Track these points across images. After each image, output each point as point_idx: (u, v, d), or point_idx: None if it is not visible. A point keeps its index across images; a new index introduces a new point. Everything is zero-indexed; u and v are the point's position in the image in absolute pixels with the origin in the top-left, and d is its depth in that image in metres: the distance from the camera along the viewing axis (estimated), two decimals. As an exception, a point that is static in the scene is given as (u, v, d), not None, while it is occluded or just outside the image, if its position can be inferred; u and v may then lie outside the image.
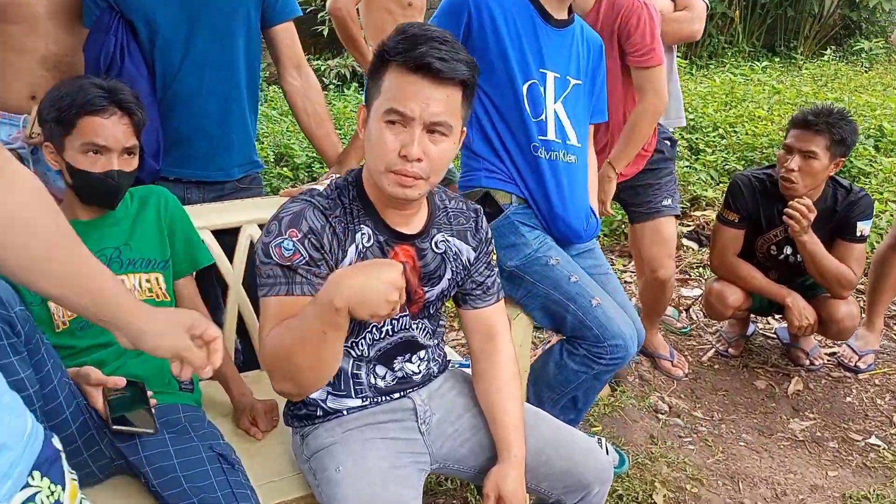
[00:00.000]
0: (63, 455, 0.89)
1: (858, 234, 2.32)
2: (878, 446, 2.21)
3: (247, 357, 1.87)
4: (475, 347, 1.44)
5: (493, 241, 1.46)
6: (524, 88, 1.76)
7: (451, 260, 1.37)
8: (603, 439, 2.11)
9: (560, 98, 1.80)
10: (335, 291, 1.08)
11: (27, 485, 0.78)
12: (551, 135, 1.79)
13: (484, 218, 1.43)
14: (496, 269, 1.46)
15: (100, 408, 1.32)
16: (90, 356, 1.47)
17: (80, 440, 1.33)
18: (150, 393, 1.41)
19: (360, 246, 1.27)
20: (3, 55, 1.70)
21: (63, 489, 0.85)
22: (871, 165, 3.95)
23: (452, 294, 1.43)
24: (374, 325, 1.33)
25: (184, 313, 1.10)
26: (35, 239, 0.88)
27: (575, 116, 1.82)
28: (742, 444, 2.23)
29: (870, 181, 3.80)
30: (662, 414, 2.36)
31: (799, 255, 2.35)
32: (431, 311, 1.42)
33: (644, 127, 2.15)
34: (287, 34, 1.90)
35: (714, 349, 2.74)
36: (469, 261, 1.40)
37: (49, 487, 0.82)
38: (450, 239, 1.37)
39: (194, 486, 1.29)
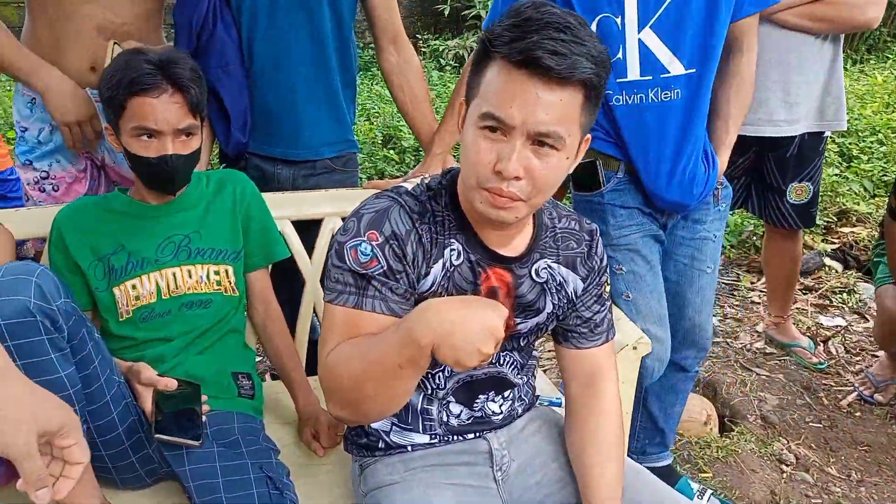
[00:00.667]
0: None
1: None
2: None
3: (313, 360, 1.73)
4: (573, 393, 1.21)
5: (607, 269, 1.22)
6: (594, 25, 1.48)
7: (554, 291, 1.15)
8: (708, 490, 1.82)
9: (650, 22, 1.48)
10: (423, 324, 0.91)
11: None
12: (633, 74, 1.50)
13: (600, 242, 1.19)
14: (608, 304, 1.22)
15: (147, 409, 1.22)
16: (150, 349, 1.38)
17: (126, 443, 1.24)
18: (204, 398, 1.30)
19: (448, 263, 1.07)
20: (60, 23, 1.61)
21: None
22: None
23: (551, 328, 1.21)
24: None
25: (53, 413, 0.83)
26: None
27: (679, 34, 1.49)
28: (885, 515, 1.87)
29: None
30: (787, 465, 2.03)
31: None
32: (522, 344, 1.20)
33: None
34: (383, 4, 1.76)
35: (857, 393, 2.35)
36: (576, 293, 1.17)
37: None
38: (554, 266, 1.15)
39: (238, 512, 1.16)
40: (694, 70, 1.52)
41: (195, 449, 1.23)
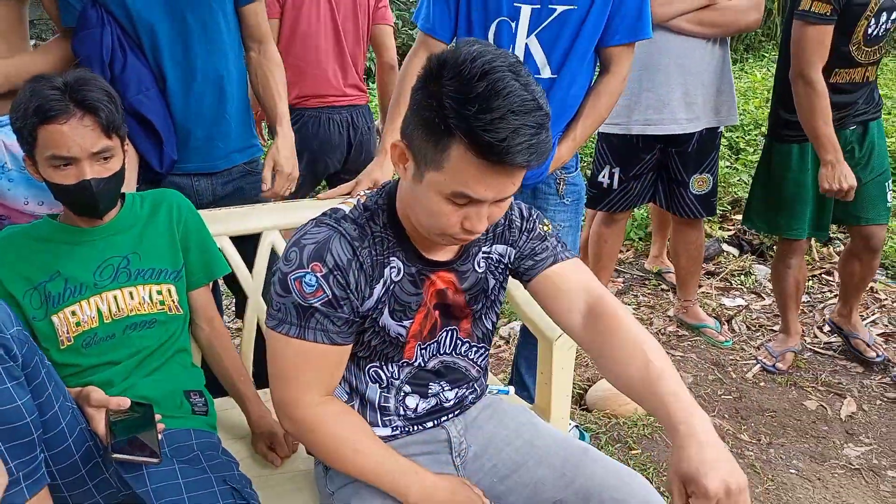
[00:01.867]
0: None
1: None
2: (944, 478, 2.05)
3: (261, 372, 1.75)
4: (578, 331, 1.20)
5: (534, 216, 1.27)
6: (492, 28, 1.69)
7: (494, 269, 1.24)
8: (578, 427, 2.07)
9: (536, 31, 1.68)
10: (419, 492, 1.12)
11: None
12: None
13: (515, 206, 1.27)
14: (552, 239, 1.26)
15: (100, 432, 1.20)
16: (96, 375, 1.36)
17: (83, 469, 1.21)
18: (158, 417, 1.30)
19: (389, 281, 1.14)
20: None
21: None
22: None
23: (502, 297, 1.29)
24: (409, 360, 1.21)
25: None
26: None
27: (554, 45, 1.69)
28: (793, 471, 2.07)
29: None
30: (706, 436, 2.21)
31: (892, 19, 2.18)
32: (481, 330, 1.28)
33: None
34: (253, 14, 1.82)
35: (759, 364, 2.58)
36: (510, 259, 1.25)
37: None
38: (489, 249, 1.23)
39: (205, 526, 1.17)
40: (556, 76, 1.71)
41: (155, 467, 1.23)
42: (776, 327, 2.77)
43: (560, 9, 1.65)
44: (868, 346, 2.57)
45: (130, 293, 1.41)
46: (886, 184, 2.39)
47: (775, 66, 2.51)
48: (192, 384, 1.47)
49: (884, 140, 2.41)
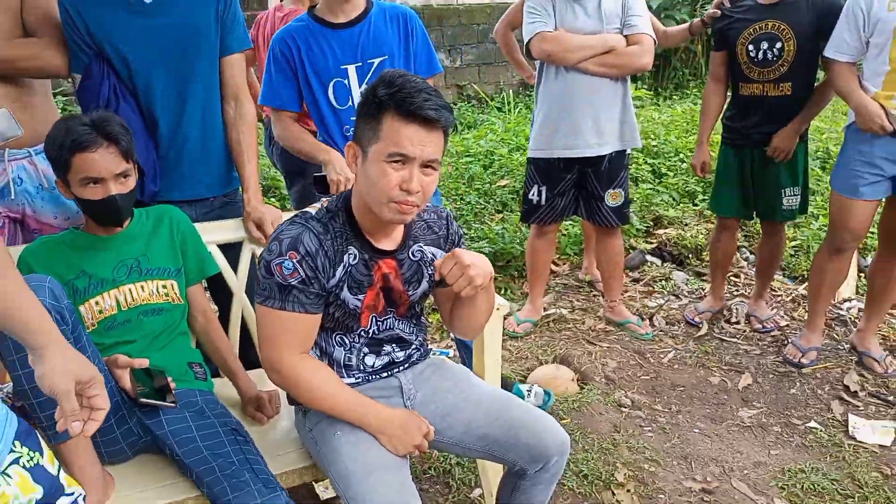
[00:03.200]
0: (37, 432, 1.07)
1: None
2: (816, 429, 2.47)
3: (245, 355, 2.06)
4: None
5: (462, 237, 1.69)
6: (330, 88, 2.12)
7: (427, 265, 1.62)
8: (534, 385, 2.52)
9: (364, 82, 2.12)
10: (378, 421, 1.50)
11: (12, 450, 0.98)
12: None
13: (453, 221, 1.68)
14: None
15: (128, 387, 1.54)
16: (117, 351, 1.68)
17: (112, 419, 1.55)
18: (169, 378, 1.63)
19: (347, 265, 1.51)
20: None
21: (41, 455, 1.04)
22: (817, 184, 4.28)
23: (431, 294, 1.67)
24: (365, 328, 1.57)
25: (87, 367, 1.12)
26: None
27: None
28: (696, 430, 2.48)
29: (815, 199, 4.13)
30: (625, 408, 2.61)
31: (777, 48, 2.77)
32: (416, 310, 1.66)
33: None
34: (230, 66, 2.04)
35: (686, 318, 3.19)
36: None
37: (28, 453, 1.02)
38: (425, 248, 1.62)
39: (213, 454, 1.51)
40: None
41: (171, 413, 1.57)
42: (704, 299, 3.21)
43: (376, 61, 2.13)
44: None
45: (142, 287, 1.75)
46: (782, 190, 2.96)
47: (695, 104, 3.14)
48: (193, 358, 1.81)
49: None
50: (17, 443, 0.97)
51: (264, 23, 3.12)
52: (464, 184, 4.65)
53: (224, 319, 2.02)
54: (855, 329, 3.01)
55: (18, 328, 1.07)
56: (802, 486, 2.17)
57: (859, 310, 3.19)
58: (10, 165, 1.91)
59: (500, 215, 4.28)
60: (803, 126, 2.87)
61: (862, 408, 2.59)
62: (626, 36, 2.81)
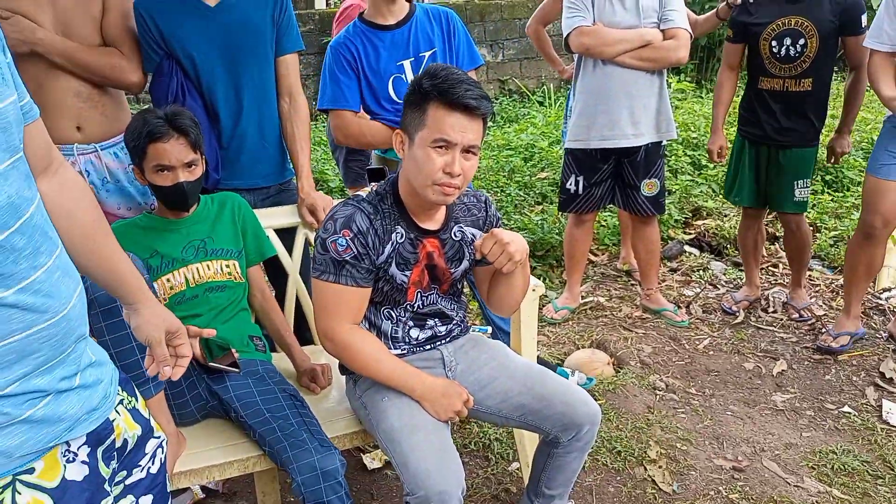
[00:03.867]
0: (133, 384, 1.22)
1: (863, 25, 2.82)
2: (849, 413, 2.52)
3: (301, 332, 2.22)
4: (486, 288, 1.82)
5: (499, 219, 1.82)
6: (389, 84, 2.27)
7: (468, 245, 1.74)
8: (577, 371, 2.62)
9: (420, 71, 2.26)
10: (422, 387, 1.63)
11: (118, 393, 1.13)
12: None
13: (491, 205, 1.80)
14: None
15: (198, 353, 1.70)
16: (185, 323, 1.85)
17: (184, 384, 1.72)
18: (233, 349, 1.80)
19: (395, 243, 1.64)
20: (46, 94, 1.97)
21: (136, 400, 1.18)
22: (860, 175, 4.26)
23: (471, 271, 1.80)
24: (411, 302, 1.70)
25: (174, 319, 1.26)
26: (75, 226, 1.12)
27: None
28: (728, 413, 2.55)
29: (859, 189, 4.11)
30: (659, 391, 2.69)
31: (800, 44, 2.82)
32: (458, 288, 1.79)
33: None
34: (285, 65, 2.19)
35: (722, 307, 3.27)
36: None
37: (128, 398, 1.16)
38: (465, 228, 1.74)
39: (274, 416, 1.67)
40: None
41: (235, 379, 1.73)
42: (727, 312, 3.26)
43: (427, 54, 2.27)
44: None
45: (207, 266, 1.92)
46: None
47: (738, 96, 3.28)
48: (253, 332, 1.97)
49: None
50: (118, 388, 1.13)
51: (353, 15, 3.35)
52: (504, 176, 4.75)
53: (280, 299, 2.18)
54: (893, 318, 3.02)
55: (119, 284, 1.23)
56: (833, 467, 2.23)
57: (899, 299, 3.20)
58: (78, 159, 2.10)
59: (540, 207, 4.37)
60: (851, 126, 2.95)
61: (897, 394, 2.62)
62: (662, 30, 2.87)
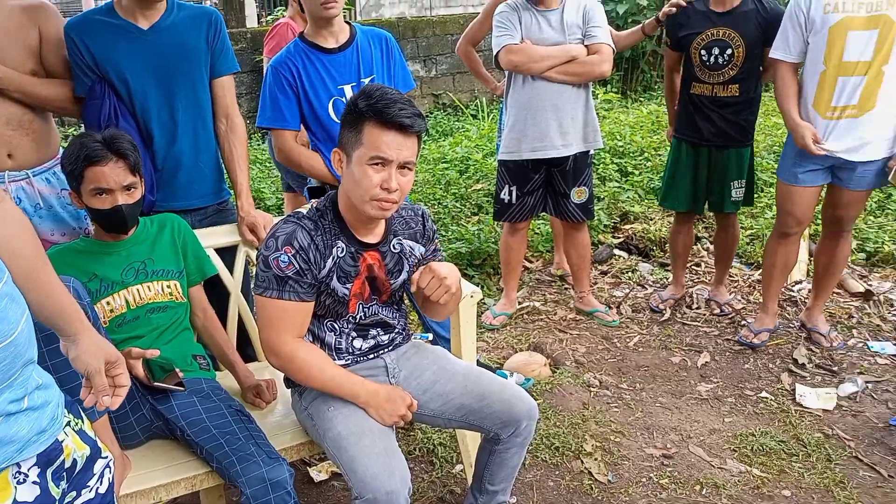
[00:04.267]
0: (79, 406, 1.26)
1: None
2: (767, 398, 2.71)
3: (244, 349, 2.26)
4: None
5: (436, 232, 1.91)
6: (330, 106, 2.32)
7: (406, 257, 1.83)
8: (516, 373, 2.80)
9: None
10: (366, 394, 1.68)
11: (64, 415, 1.16)
12: None
13: (429, 218, 1.89)
14: (439, 253, 1.91)
15: (141, 375, 1.73)
16: (127, 345, 1.87)
17: (128, 406, 1.73)
18: (177, 369, 1.82)
19: (336, 257, 1.71)
20: None
21: (83, 421, 1.21)
22: (772, 177, 4.55)
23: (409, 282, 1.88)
24: (353, 314, 1.77)
25: (113, 349, 1.28)
26: (15, 260, 1.13)
27: None
28: (658, 404, 2.70)
29: (771, 191, 4.40)
30: (593, 387, 2.83)
31: (727, 54, 3.02)
32: (397, 298, 1.87)
33: None
34: (221, 87, 2.24)
35: (650, 305, 3.44)
36: (422, 254, 1.86)
37: (75, 420, 1.19)
38: (404, 241, 1.83)
39: (221, 432, 1.70)
40: None
41: (180, 398, 1.76)
42: (655, 310, 3.45)
43: (366, 80, 2.35)
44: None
45: (148, 287, 1.94)
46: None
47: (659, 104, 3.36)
48: (196, 351, 2.00)
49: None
50: (65, 409, 1.16)
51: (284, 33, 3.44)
52: (441, 189, 4.86)
53: (222, 318, 2.21)
54: (805, 308, 3.26)
55: (58, 317, 1.25)
56: (752, 448, 2.41)
57: (809, 291, 3.44)
58: (9, 186, 2.09)
59: (476, 217, 4.50)
60: None
61: (809, 378, 2.84)
62: (586, 46, 3.03)
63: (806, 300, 3.39)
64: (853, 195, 2.87)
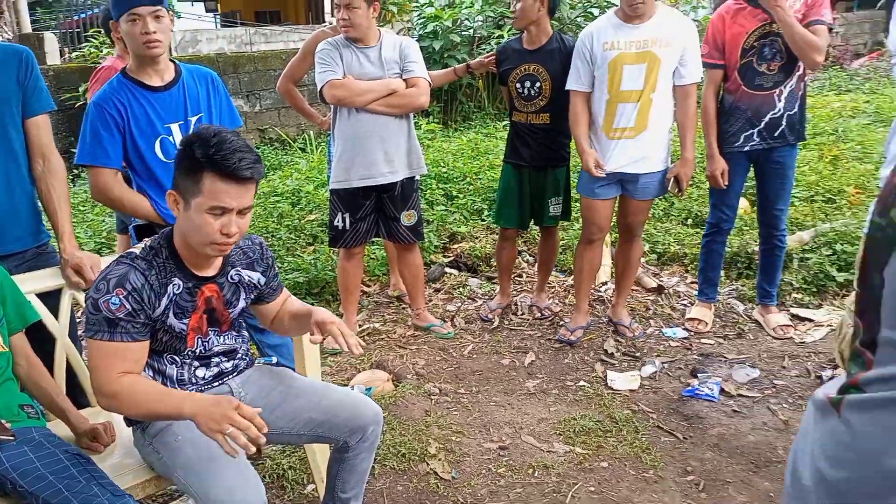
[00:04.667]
0: None
1: None
2: (584, 386, 3.06)
3: (75, 396, 2.17)
4: (282, 325, 2.03)
5: (273, 259, 2.00)
6: (156, 145, 2.33)
7: (244, 286, 1.89)
8: (357, 385, 2.92)
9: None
10: (191, 405, 1.59)
11: None
12: None
13: (266, 248, 1.97)
14: (278, 277, 2.00)
15: None
16: (-56, 402, 1.76)
17: (-51, 463, 1.63)
18: (3, 420, 1.74)
19: (172, 294, 1.73)
20: None
21: None
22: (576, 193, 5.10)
23: (250, 309, 1.95)
24: (192, 348, 1.80)
25: None
26: None
27: None
28: (493, 403, 2.95)
29: (577, 204, 4.92)
30: (434, 395, 3.02)
31: (537, 86, 3.38)
32: (237, 324, 1.93)
33: None
34: (36, 126, 2.17)
35: (480, 316, 3.70)
36: (260, 282, 1.93)
37: None
38: (242, 271, 1.89)
39: (59, 478, 1.65)
40: None
41: (8, 450, 1.68)
42: (487, 320, 3.73)
43: (193, 119, 2.40)
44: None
45: (-37, 338, 1.83)
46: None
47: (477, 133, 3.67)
48: (23, 401, 1.91)
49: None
50: None
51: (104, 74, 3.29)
52: (274, 221, 4.88)
53: (49, 364, 2.12)
54: (611, 305, 3.71)
55: None
56: (574, 430, 2.72)
57: (613, 290, 3.91)
58: None
59: (312, 247, 4.57)
60: (692, 151, 3.20)
61: (617, 365, 3.24)
62: (405, 79, 3.27)
63: (611, 298, 3.84)
64: (639, 204, 3.35)
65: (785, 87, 3.14)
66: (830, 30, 3.12)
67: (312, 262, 4.17)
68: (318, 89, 3.25)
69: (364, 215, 3.39)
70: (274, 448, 2.61)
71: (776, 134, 3.18)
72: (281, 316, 2.01)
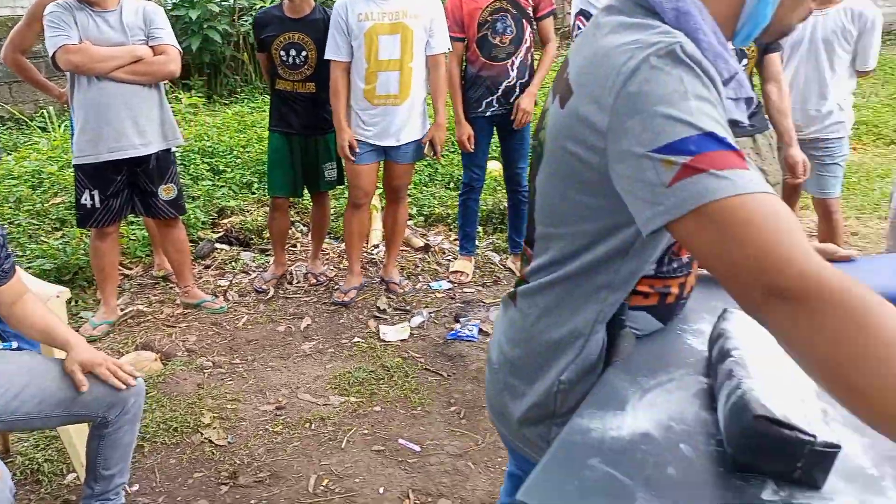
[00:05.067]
0: None
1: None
2: (359, 342, 3.21)
3: None
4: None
5: (6, 237, 1.84)
6: None
7: None
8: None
9: None
10: None
11: None
12: None
13: (4, 228, 1.81)
14: (11, 259, 1.85)
15: None
16: None
17: None
18: None
19: None
20: None
21: None
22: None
23: None
24: None
25: None
26: None
27: None
28: (269, 369, 2.99)
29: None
30: (207, 369, 2.98)
31: (303, 55, 3.42)
32: None
33: None
34: None
35: (255, 288, 3.67)
36: None
37: None
38: None
39: None
40: None
41: None
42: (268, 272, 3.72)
43: None
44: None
45: None
46: None
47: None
48: None
49: None
50: None
51: None
52: (10, 207, 4.36)
53: None
54: (382, 266, 3.90)
55: None
56: (349, 382, 2.86)
57: (385, 252, 4.11)
58: None
59: (60, 232, 4.17)
60: (444, 117, 3.49)
61: (389, 319, 3.44)
62: (151, 47, 3.10)
63: (383, 259, 4.04)
64: (401, 168, 3.55)
65: (516, 58, 3.52)
66: (555, 16, 3.57)
67: (61, 247, 3.81)
68: (51, 55, 2.97)
69: (116, 191, 3.18)
70: (25, 443, 2.41)
71: (512, 100, 3.56)
72: (22, 316, 1.85)
